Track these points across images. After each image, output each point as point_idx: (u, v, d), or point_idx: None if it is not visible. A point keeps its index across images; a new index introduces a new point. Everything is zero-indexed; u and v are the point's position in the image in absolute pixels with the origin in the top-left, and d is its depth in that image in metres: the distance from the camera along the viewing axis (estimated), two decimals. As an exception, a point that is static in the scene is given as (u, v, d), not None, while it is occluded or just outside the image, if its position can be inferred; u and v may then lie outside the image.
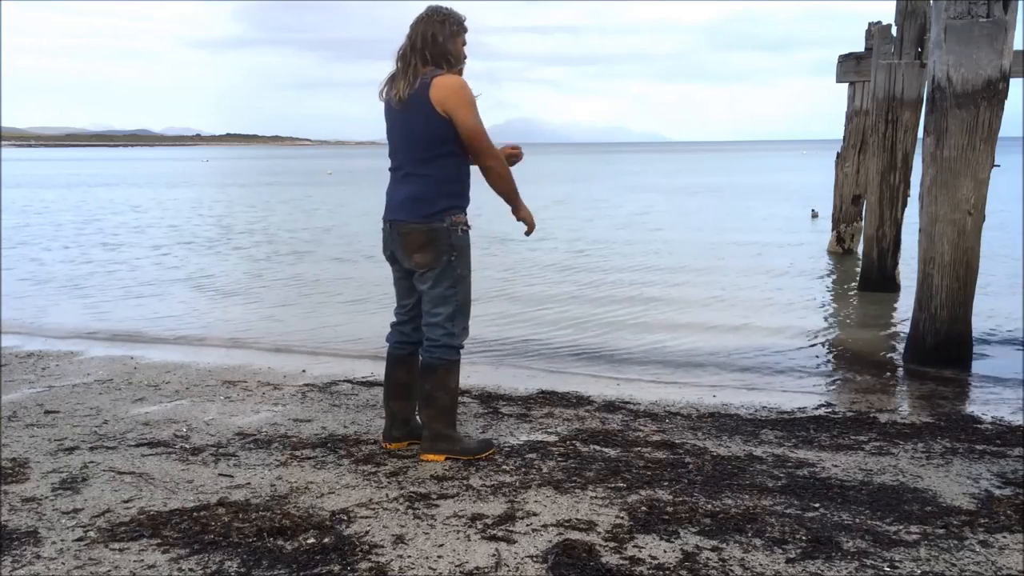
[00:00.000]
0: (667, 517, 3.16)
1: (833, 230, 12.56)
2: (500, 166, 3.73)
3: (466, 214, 3.74)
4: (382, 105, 3.77)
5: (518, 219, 3.87)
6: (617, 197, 27.40)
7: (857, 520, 3.18)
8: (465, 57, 3.75)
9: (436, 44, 3.62)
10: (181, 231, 17.12)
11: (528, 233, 3.93)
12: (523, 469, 3.72)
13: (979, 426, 4.56)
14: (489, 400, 4.96)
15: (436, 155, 3.63)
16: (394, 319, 3.98)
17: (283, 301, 9.31)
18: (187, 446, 4.05)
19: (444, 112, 3.57)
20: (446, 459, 3.80)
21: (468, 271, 3.77)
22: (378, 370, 5.72)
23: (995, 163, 5.65)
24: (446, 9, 3.71)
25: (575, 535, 3.01)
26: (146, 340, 7.21)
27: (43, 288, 10.19)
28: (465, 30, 3.73)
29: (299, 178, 45.51)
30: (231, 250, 14.15)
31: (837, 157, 11.97)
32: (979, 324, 6.95)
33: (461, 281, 3.73)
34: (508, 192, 3.79)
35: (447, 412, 3.82)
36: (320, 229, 17.62)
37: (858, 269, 10.41)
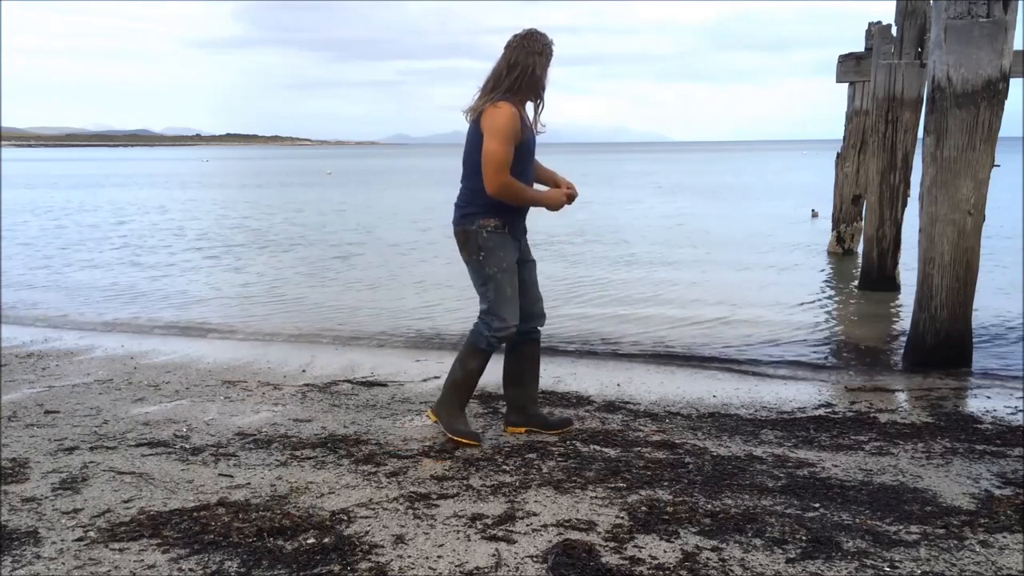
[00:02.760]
0: (667, 517, 3.16)
1: (833, 230, 12.55)
2: (505, 194, 3.84)
3: (501, 220, 3.92)
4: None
5: (554, 210, 4.10)
6: (649, 198, 27.14)
7: (857, 520, 3.18)
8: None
9: (531, 76, 3.87)
10: (218, 233, 16.80)
11: (570, 201, 4.10)
12: (523, 469, 3.72)
13: (979, 426, 4.56)
14: (489, 400, 4.95)
15: (480, 169, 3.85)
16: None
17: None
18: (187, 446, 4.05)
19: (483, 132, 3.82)
20: (438, 427, 4.16)
21: (498, 270, 3.94)
22: (379, 370, 5.74)
23: (995, 163, 5.65)
24: (547, 38, 3.92)
25: (575, 535, 3.01)
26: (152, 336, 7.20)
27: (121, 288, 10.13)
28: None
29: (308, 178, 45.32)
30: (281, 252, 13.89)
31: (837, 157, 11.97)
32: (979, 324, 6.96)
33: (491, 279, 3.95)
34: (524, 204, 4.00)
35: (457, 388, 4.09)
36: (359, 230, 17.29)
37: (858, 269, 10.41)
